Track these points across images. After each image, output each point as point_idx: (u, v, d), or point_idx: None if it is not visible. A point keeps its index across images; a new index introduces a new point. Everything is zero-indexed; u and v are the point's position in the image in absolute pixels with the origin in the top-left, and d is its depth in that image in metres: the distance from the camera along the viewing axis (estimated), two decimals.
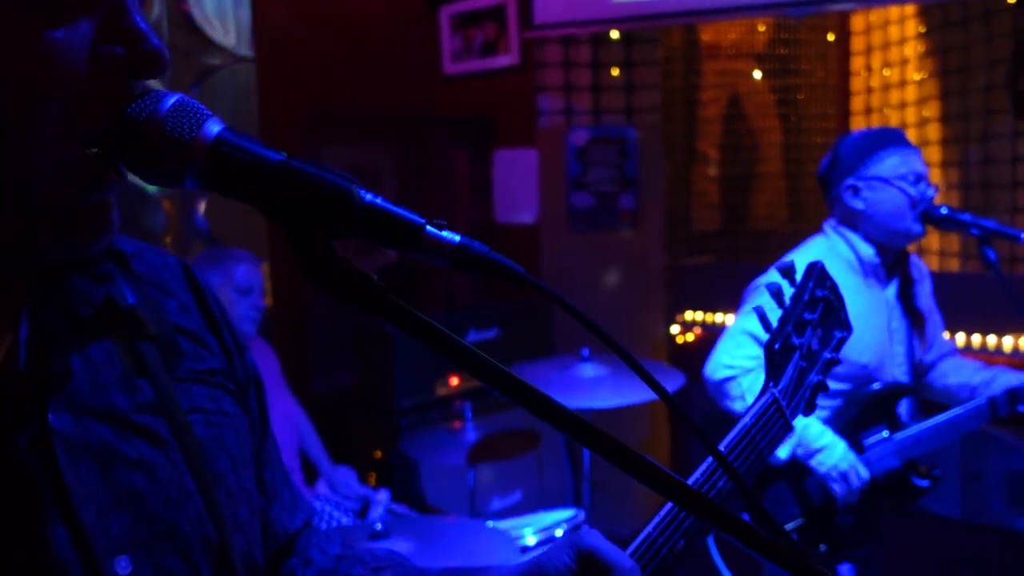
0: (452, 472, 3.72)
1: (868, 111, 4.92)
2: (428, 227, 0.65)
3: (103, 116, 0.67)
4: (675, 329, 4.59)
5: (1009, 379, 2.45)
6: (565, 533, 2.60)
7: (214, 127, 0.65)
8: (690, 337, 4.50)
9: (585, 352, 3.29)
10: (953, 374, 2.60)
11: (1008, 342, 3.32)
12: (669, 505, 0.94)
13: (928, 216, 2.36)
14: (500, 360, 0.65)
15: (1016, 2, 3.86)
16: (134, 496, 0.74)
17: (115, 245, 0.83)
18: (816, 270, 1.19)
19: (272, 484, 1.00)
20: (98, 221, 0.72)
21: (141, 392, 0.78)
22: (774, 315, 1.16)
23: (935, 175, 4.49)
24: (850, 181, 2.43)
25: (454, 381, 4.01)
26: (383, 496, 3.44)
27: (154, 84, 0.74)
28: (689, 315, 4.54)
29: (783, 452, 2.32)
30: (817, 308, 1.16)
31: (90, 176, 0.69)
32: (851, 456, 2.29)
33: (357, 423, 4.22)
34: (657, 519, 0.93)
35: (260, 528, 0.91)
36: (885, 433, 2.36)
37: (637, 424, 4.38)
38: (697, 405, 2.87)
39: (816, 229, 2.59)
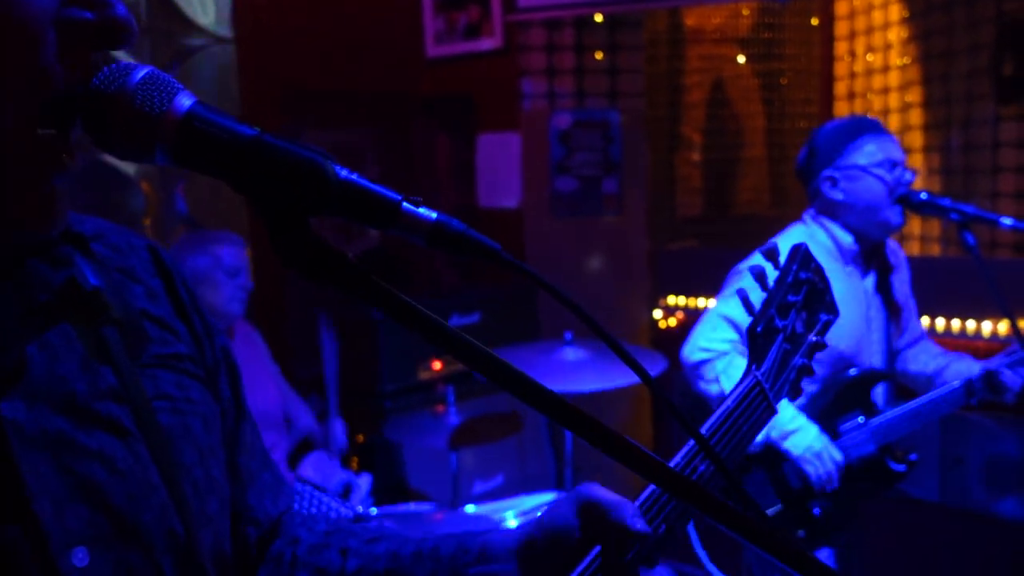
0: (434, 456, 3.71)
1: (851, 96, 4.92)
2: (404, 203, 0.63)
3: (65, 86, 0.65)
4: (658, 314, 4.59)
5: (961, 367, 2.47)
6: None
7: (185, 100, 0.63)
8: (672, 322, 4.50)
9: (568, 336, 3.28)
10: (913, 361, 2.62)
11: (987, 327, 3.34)
12: (649, 491, 0.93)
13: (908, 201, 2.36)
14: (483, 344, 0.64)
15: None
16: (93, 488, 0.71)
17: (73, 227, 0.80)
18: (800, 252, 1.17)
19: (247, 468, 0.98)
20: (51, 204, 0.70)
21: (102, 378, 0.75)
22: (757, 298, 1.14)
23: (917, 160, 4.51)
24: (828, 172, 2.42)
25: (437, 365, 4.00)
26: (364, 480, 3.43)
27: (124, 58, 0.72)
28: (672, 300, 4.54)
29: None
30: (801, 290, 1.15)
31: (46, 158, 0.67)
32: (824, 439, 2.30)
33: (340, 407, 4.20)
34: (637, 503, 0.92)
35: (229, 519, 0.89)
36: (860, 419, 2.37)
37: (619, 408, 4.39)
38: (679, 389, 2.88)
39: (799, 214, 2.59)
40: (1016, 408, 3.30)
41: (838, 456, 2.29)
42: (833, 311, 1.18)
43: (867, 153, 2.39)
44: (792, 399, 1.13)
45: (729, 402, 1.04)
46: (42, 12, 0.64)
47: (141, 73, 0.63)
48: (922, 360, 2.61)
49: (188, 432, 0.82)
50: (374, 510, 2.89)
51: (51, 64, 0.65)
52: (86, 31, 0.66)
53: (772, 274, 1.16)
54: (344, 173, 0.63)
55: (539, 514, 0.93)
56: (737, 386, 1.07)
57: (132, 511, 0.73)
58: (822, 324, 1.16)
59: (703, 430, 1.01)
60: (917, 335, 2.68)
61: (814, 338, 1.15)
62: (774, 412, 1.08)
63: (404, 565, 0.95)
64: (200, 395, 0.87)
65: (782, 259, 1.17)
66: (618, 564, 0.87)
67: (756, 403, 1.06)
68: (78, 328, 0.75)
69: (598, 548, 0.88)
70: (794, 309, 1.14)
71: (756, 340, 1.11)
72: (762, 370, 1.09)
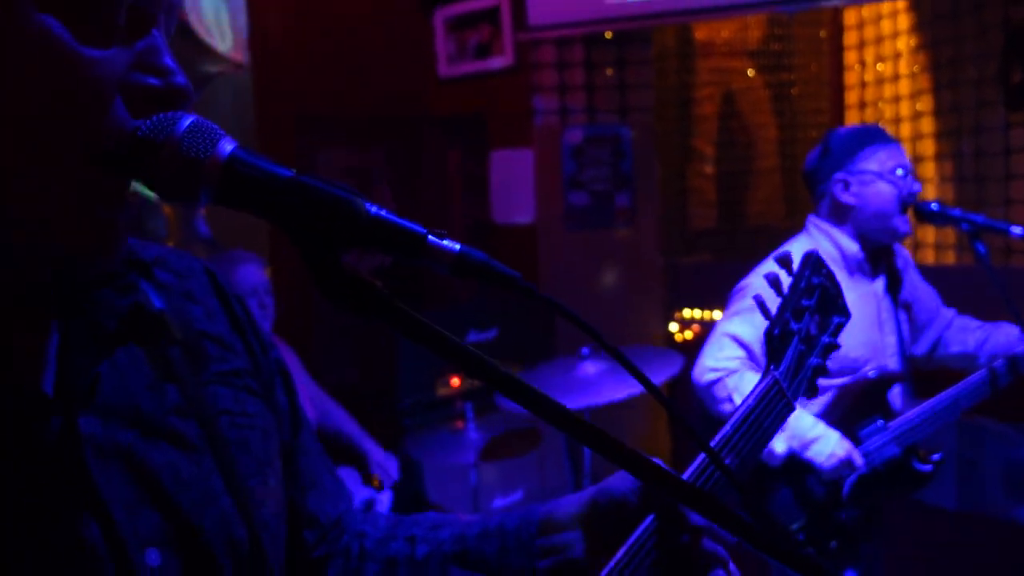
0: (454, 471, 3.75)
1: (862, 105, 4.95)
2: (430, 237, 0.68)
3: (118, 136, 0.70)
4: (674, 327, 4.62)
5: (1001, 336, 2.50)
6: None
7: (227, 146, 0.68)
8: (688, 335, 4.53)
9: (585, 351, 3.31)
10: (953, 343, 2.65)
11: None
12: (696, 463, 0.99)
13: (920, 211, 2.39)
14: (500, 360, 0.68)
15: None
16: (161, 495, 0.77)
17: (136, 255, 0.87)
18: (812, 258, 1.23)
19: (308, 472, 1.03)
20: (111, 237, 0.75)
21: (167, 395, 0.82)
22: (773, 303, 1.21)
23: (929, 168, 4.52)
24: (840, 175, 2.46)
25: (455, 381, 4.03)
26: (386, 497, 3.47)
27: None
28: (687, 313, 4.57)
29: (779, 447, 2.35)
30: (814, 295, 1.21)
31: (112, 200, 0.73)
32: (846, 444, 2.31)
33: (359, 423, 4.25)
34: (646, 523, 0.96)
35: (284, 525, 0.94)
36: (880, 422, 2.38)
37: (638, 417, 4.41)
38: (698, 402, 2.90)
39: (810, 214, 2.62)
40: None
41: (860, 461, 2.30)
42: (845, 313, 1.25)
43: (880, 160, 2.43)
44: (809, 398, 1.20)
45: (751, 400, 1.10)
46: (111, 76, 0.70)
47: (187, 122, 0.68)
48: (961, 339, 2.64)
49: (246, 444, 0.88)
50: None
51: (118, 120, 0.70)
52: (151, 95, 0.72)
53: (786, 280, 1.22)
54: (374, 210, 0.67)
55: (604, 480, 0.98)
56: (757, 386, 1.13)
57: (197, 516, 0.79)
58: (835, 326, 1.23)
59: (727, 428, 1.07)
60: (949, 319, 2.70)
61: (828, 339, 1.22)
62: (792, 408, 1.14)
63: (471, 546, 0.99)
64: (257, 408, 0.92)
65: (795, 265, 1.24)
66: (673, 536, 0.92)
67: (776, 400, 1.12)
68: (145, 349, 0.82)
69: (652, 516, 0.93)
70: (808, 312, 1.20)
71: (773, 342, 1.17)
72: (780, 370, 1.15)
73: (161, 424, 0.80)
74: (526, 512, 1.00)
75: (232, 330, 0.94)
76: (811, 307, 1.20)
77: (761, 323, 1.21)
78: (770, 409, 1.11)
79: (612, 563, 0.92)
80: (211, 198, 0.68)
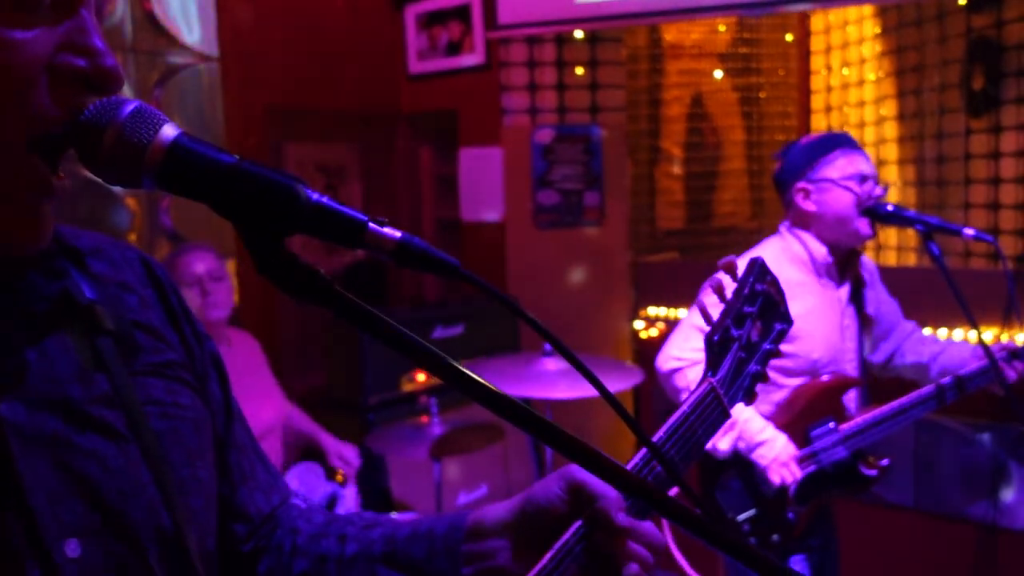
0: (418, 467, 3.76)
1: (828, 109, 5.01)
2: (371, 224, 0.69)
3: (57, 121, 0.71)
4: (639, 325, 4.65)
5: (954, 353, 2.58)
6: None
7: (170, 132, 0.69)
8: (654, 333, 4.56)
9: (548, 347, 3.34)
10: (910, 353, 2.72)
11: (959, 335, 3.41)
12: (637, 458, 1.00)
13: (875, 213, 2.44)
14: (466, 356, 0.69)
15: (968, 3, 3.96)
16: (87, 485, 0.77)
17: (68, 242, 0.86)
18: (756, 265, 1.22)
19: (239, 466, 1.02)
20: (40, 223, 0.76)
21: (96, 385, 0.81)
22: (715, 309, 1.20)
23: (892, 172, 4.59)
24: (801, 184, 2.51)
25: (420, 377, 4.04)
26: (350, 492, 3.47)
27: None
28: (653, 311, 4.60)
29: (724, 444, 2.39)
30: (757, 301, 1.20)
31: (37, 184, 0.73)
32: (791, 448, 2.36)
33: (325, 419, 4.24)
34: (573, 528, 0.95)
35: (215, 517, 0.94)
36: (832, 425, 2.43)
37: (602, 413, 4.44)
38: (660, 398, 2.93)
39: (778, 225, 2.66)
40: (990, 413, 3.38)
41: (797, 474, 2.35)
42: (787, 320, 1.23)
43: (838, 167, 2.47)
44: (747, 404, 1.19)
45: (685, 407, 1.09)
46: (36, 58, 0.70)
47: (130, 108, 0.69)
48: (917, 349, 2.71)
49: (176, 435, 0.87)
50: None
51: (43, 104, 0.71)
52: (78, 76, 0.72)
53: (730, 286, 1.22)
54: (315, 196, 0.68)
55: (530, 487, 0.98)
56: (693, 392, 1.12)
57: (122, 507, 0.78)
58: (777, 332, 1.21)
59: (661, 432, 1.06)
60: (908, 331, 2.77)
61: (769, 346, 1.20)
62: (728, 416, 1.13)
63: (400, 547, 0.99)
64: (190, 400, 0.92)
65: (739, 272, 1.23)
66: (600, 540, 0.92)
67: (711, 408, 1.11)
68: (74, 338, 0.81)
69: (580, 522, 0.94)
70: (750, 319, 1.19)
71: (713, 348, 1.17)
72: (718, 377, 1.14)
73: (88, 413, 0.79)
74: (456, 517, 1.00)
75: (167, 321, 0.94)
76: (753, 313, 1.19)
77: (717, 305, 1.20)
78: (705, 416, 1.10)
79: (537, 568, 0.92)
80: (153, 183, 0.69)
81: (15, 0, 0.69)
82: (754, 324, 1.19)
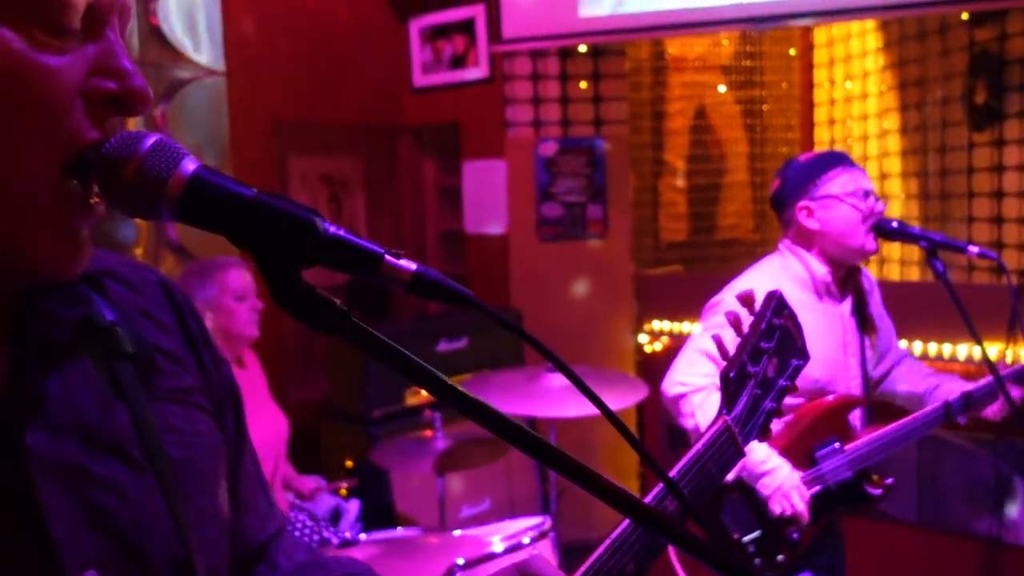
0: (422, 481, 3.75)
1: (831, 122, 5.02)
2: (387, 256, 0.69)
3: (93, 143, 0.72)
4: (643, 338, 4.65)
5: (953, 387, 2.56)
6: (528, 545, 2.64)
7: (190, 165, 0.69)
8: (658, 346, 4.56)
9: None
10: (902, 381, 2.70)
11: (963, 351, 3.41)
12: (619, 529, 0.98)
13: (880, 229, 2.43)
14: (470, 369, 0.70)
15: (970, 17, 3.97)
16: (105, 515, 0.77)
17: (89, 265, 0.86)
18: (775, 299, 1.21)
19: (245, 496, 1.02)
20: (77, 247, 0.76)
21: (117, 413, 0.81)
22: (731, 343, 1.18)
23: (896, 185, 4.60)
24: (803, 202, 2.50)
25: (424, 391, 4.04)
26: (353, 506, 3.47)
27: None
28: (657, 324, 4.60)
29: (729, 474, 2.37)
30: (774, 336, 1.18)
31: (73, 204, 0.74)
32: (795, 477, 2.33)
33: (328, 432, 4.24)
34: (607, 543, 0.96)
35: (228, 543, 0.94)
36: (837, 445, 2.42)
37: (606, 431, 4.44)
38: (663, 412, 2.93)
39: (777, 243, 2.66)
40: (992, 428, 3.37)
41: (801, 505, 2.32)
42: (804, 356, 1.21)
43: (840, 183, 2.47)
44: (761, 440, 1.17)
45: (700, 445, 1.08)
46: (71, 83, 0.72)
47: (151, 141, 0.70)
48: (911, 380, 2.69)
49: (195, 463, 0.88)
50: (363, 535, 2.92)
51: (80, 127, 0.72)
52: (110, 98, 0.74)
53: (746, 320, 1.19)
54: (332, 229, 0.69)
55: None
56: (708, 429, 1.11)
57: (138, 537, 0.79)
58: (792, 369, 1.19)
59: (673, 472, 1.05)
60: (901, 355, 2.76)
61: (784, 382, 1.18)
62: (742, 455, 1.12)
63: None
64: (207, 427, 0.92)
65: (757, 305, 1.21)
66: None
67: (725, 446, 1.10)
68: (95, 364, 0.81)
69: None
70: (767, 355, 1.17)
71: (729, 385, 1.15)
72: (733, 415, 1.13)
73: (108, 442, 0.79)
74: None
75: (185, 345, 0.94)
76: (770, 349, 1.17)
77: (734, 339, 1.18)
78: (719, 455, 1.08)
79: None
80: (172, 215, 0.69)
81: (48, 25, 0.70)
82: (770, 360, 1.17)
